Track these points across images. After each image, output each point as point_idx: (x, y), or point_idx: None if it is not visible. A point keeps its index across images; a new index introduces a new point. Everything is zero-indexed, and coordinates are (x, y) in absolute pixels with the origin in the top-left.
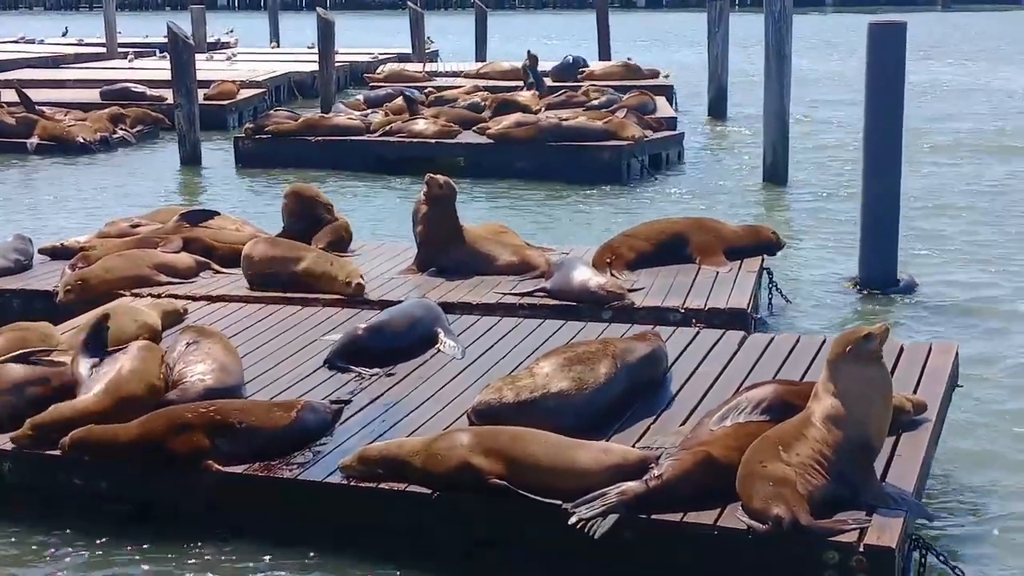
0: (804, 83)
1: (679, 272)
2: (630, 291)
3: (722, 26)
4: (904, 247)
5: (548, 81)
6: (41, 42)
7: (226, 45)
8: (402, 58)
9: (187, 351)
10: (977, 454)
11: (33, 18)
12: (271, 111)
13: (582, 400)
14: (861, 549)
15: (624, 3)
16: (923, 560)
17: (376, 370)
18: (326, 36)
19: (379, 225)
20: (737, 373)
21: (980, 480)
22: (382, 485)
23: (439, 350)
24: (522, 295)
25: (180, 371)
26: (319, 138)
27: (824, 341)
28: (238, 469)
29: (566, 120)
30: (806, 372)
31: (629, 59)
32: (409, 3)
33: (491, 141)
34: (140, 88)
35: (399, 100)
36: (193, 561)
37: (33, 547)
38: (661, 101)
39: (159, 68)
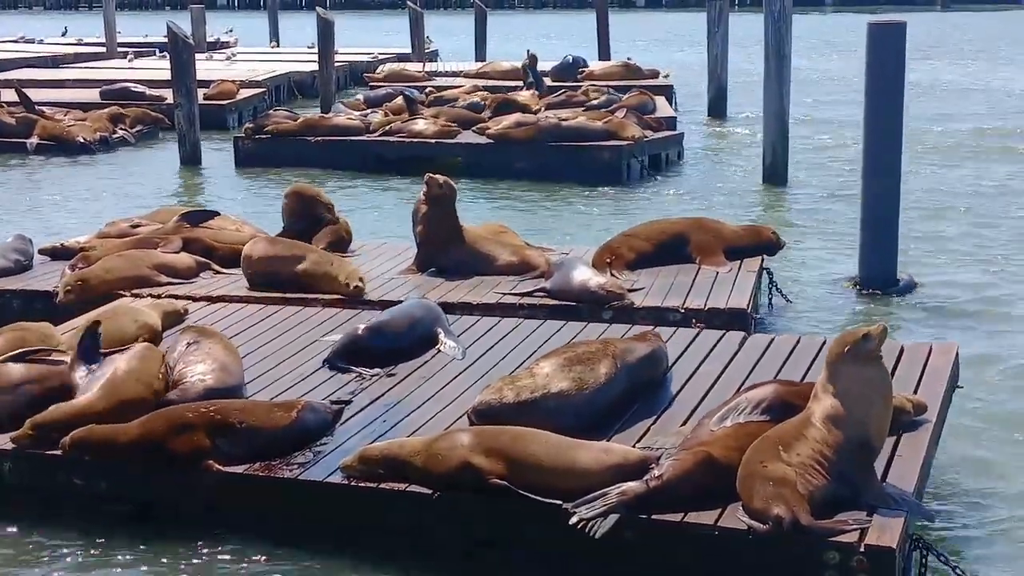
0: (804, 83)
1: (679, 272)
2: (630, 291)
3: (722, 26)
4: (904, 247)
5: (548, 81)
6: (41, 42)
7: (226, 45)
8: (402, 58)
9: (187, 351)
10: (977, 454)
11: (33, 18)
12: (271, 111)
13: (582, 400)
14: (862, 549)
15: (624, 3)
16: (924, 560)
17: (376, 370)
18: (326, 36)
19: (379, 225)
20: (737, 374)
21: (981, 480)
22: (382, 485)
23: (439, 350)
24: (522, 295)
25: (180, 371)
26: (319, 138)
27: (824, 342)
28: (238, 469)
29: (566, 120)
30: (806, 373)
31: (629, 59)
32: (409, 3)
33: (491, 141)
34: (140, 88)
35: (399, 100)
36: (193, 561)
37: (33, 547)
38: (661, 101)
39: (159, 68)
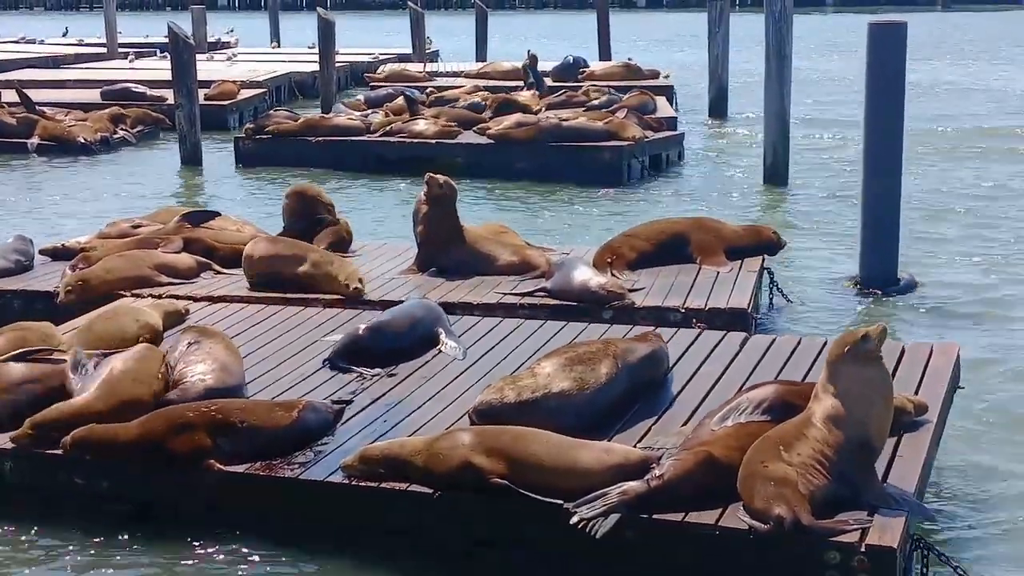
0: (805, 83)
1: (680, 272)
2: (631, 291)
3: (722, 26)
4: (904, 247)
5: (548, 81)
6: (41, 42)
7: (227, 45)
8: (402, 58)
9: (188, 351)
10: (978, 454)
11: (33, 18)
12: (271, 111)
13: (583, 400)
14: (863, 549)
15: (624, 3)
16: (925, 560)
17: (377, 370)
18: (326, 36)
19: (379, 225)
20: (738, 374)
21: (982, 480)
22: (383, 485)
23: (440, 350)
24: (523, 295)
25: (181, 371)
26: (319, 138)
27: (825, 343)
28: (239, 469)
29: (566, 120)
30: (807, 374)
31: (629, 59)
32: (410, 3)
33: (491, 141)
34: (141, 88)
35: (399, 100)
36: (193, 561)
37: (33, 547)
38: (661, 101)
39: (160, 68)
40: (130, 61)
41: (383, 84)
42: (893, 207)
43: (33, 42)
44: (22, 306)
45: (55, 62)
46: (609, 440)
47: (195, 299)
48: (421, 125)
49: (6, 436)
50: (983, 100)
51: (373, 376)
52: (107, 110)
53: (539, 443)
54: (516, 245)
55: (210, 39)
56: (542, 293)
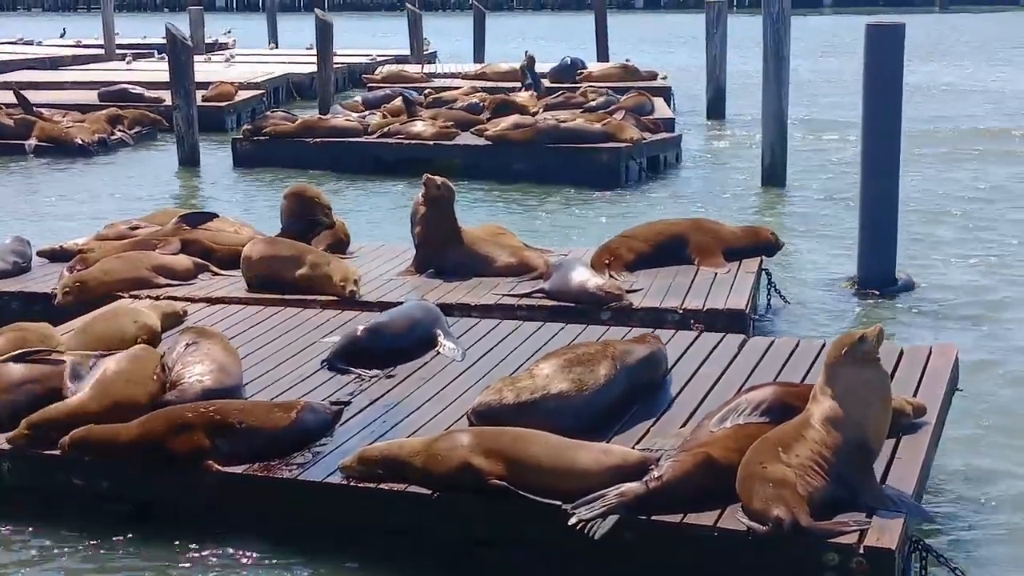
0: (802, 85)
1: (678, 273)
2: (628, 292)
3: (720, 27)
4: (902, 248)
5: (546, 82)
6: (39, 43)
7: (224, 46)
8: (400, 59)
9: (186, 352)
10: (977, 456)
11: (31, 19)
12: (269, 112)
13: (582, 401)
14: (861, 551)
15: (622, 4)
16: (923, 562)
17: (376, 371)
18: (324, 37)
19: (377, 227)
20: (737, 376)
21: (980, 482)
22: (382, 485)
23: (439, 352)
24: (521, 296)
25: (179, 372)
26: (317, 139)
27: (823, 345)
28: (238, 469)
29: (564, 122)
30: (806, 375)
31: (627, 60)
32: (407, 4)
33: (489, 143)
34: (138, 89)
35: (397, 101)
36: (193, 561)
37: (33, 547)
38: (659, 102)
39: (157, 69)
40: (128, 62)
41: (381, 85)
42: (891, 208)
43: (31, 43)
44: (20, 308)
45: (53, 63)
46: (608, 441)
47: (193, 300)
48: (419, 126)
49: (3, 437)
50: (981, 101)
51: (372, 377)
52: (105, 111)
53: (538, 444)
54: (514, 246)
55: (208, 40)
56: (540, 294)
